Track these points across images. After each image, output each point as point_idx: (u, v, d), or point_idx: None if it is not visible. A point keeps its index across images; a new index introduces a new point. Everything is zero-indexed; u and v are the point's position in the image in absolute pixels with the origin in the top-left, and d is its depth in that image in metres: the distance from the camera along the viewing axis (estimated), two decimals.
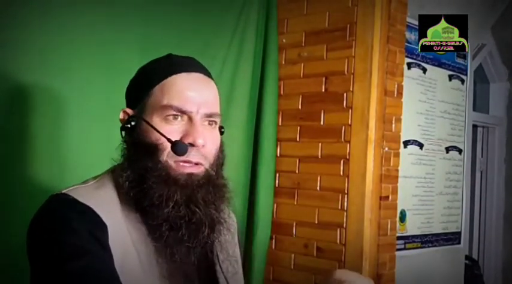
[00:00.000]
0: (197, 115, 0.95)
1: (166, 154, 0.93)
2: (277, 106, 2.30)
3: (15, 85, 1.54)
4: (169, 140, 0.93)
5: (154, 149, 0.93)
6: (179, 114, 0.95)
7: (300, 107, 2.25)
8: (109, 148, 1.67)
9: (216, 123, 0.99)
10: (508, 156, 3.44)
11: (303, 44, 2.26)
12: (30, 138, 1.58)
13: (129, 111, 1.00)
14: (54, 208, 0.90)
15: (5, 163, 1.53)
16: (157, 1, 1.91)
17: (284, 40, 2.32)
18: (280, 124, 2.30)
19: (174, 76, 0.97)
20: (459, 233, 2.61)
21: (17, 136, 1.56)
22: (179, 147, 0.93)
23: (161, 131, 0.93)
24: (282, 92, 2.31)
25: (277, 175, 2.29)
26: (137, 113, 0.98)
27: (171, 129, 0.94)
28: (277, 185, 2.29)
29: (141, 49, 1.83)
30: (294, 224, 2.21)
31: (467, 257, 2.77)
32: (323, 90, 2.17)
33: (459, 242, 2.61)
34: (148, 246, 0.93)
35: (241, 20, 2.20)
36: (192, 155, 0.94)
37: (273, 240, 2.27)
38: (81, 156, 1.67)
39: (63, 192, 0.92)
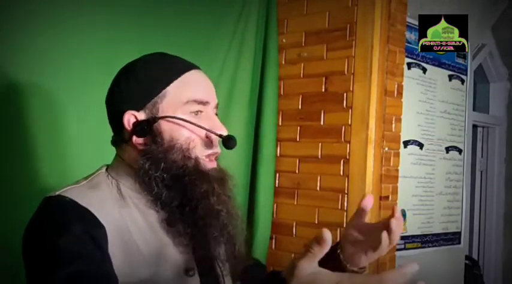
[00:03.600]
0: (212, 108, 1.01)
1: (197, 150, 0.97)
2: (277, 106, 2.30)
3: (13, 85, 1.54)
4: (220, 135, 0.99)
5: (186, 147, 0.96)
6: (201, 108, 0.99)
7: (300, 107, 2.25)
8: (107, 147, 1.68)
9: (217, 114, 1.05)
10: (508, 156, 3.44)
11: (303, 44, 2.26)
12: (30, 138, 1.57)
13: (136, 113, 0.98)
14: (51, 211, 0.90)
15: (5, 164, 1.52)
16: (157, 1, 1.91)
17: (284, 40, 2.32)
18: (280, 124, 2.30)
19: (187, 74, 1.00)
20: (459, 233, 2.61)
21: (17, 136, 1.55)
22: (231, 142, 1.00)
23: (190, 128, 0.97)
24: (282, 92, 2.31)
25: (277, 175, 2.29)
26: (151, 114, 0.97)
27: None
28: (277, 185, 2.29)
29: (141, 49, 1.82)
30: (294, 224, 2.21)
31: (467, 257, 2.77)
32: (323, 90, 2.17)
33: (459, 242, 2.61)
34: (154, 240, 0.95)
35: (241, 20, 2.20)
36: (217, 148, 1.00)
37: (273, 240, 2.27)
38: (81, 156, 1.66)
39: (57, 193, 0.92)
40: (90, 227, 0.87)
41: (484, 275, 3.15)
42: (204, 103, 0.99)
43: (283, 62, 2.32)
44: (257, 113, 2.27)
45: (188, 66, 1.02)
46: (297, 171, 2.23)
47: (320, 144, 2.16)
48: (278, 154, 2.29)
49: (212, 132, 0.98)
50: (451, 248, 2.55)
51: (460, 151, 2.61)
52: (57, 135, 1.64)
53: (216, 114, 1.03)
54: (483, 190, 3.45)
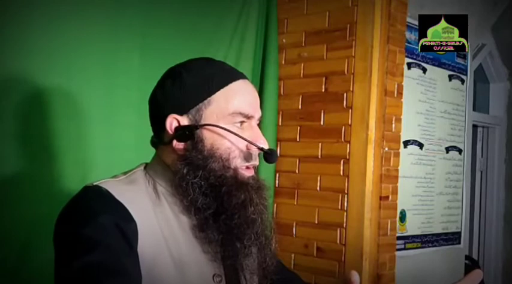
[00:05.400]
0: (255, 120, 1.01)
1: (236, 161, 0.97)
2: (277, 106, 2.30)
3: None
4: (262, 149, 0.99)
5: (226, 156, 0.96)
6: (245, 120, 0.99)
7: (300, 107, 2.25)
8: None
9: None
10: (508, 156, 3.44)
11: (303, 44, 2.26)
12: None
13: (179, 117, 0.98)
14: (85, 199, 0.92)
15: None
16: (158, 1, 1.91)
17: (284, 40, 2.32)
18: (280, 124, 2.30)
19: (235, 83, 1.00)
20: (459, 233, 2.60)
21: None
22: (273, 156, 1.01)
23: (232, 139, 0.97)
24: (282, 92, 2.31)
25: (277, 175, 2.29)
26: (194, 120, 0.97)
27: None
28: (277, 185, 2.29)
29: (142, 47, 1.83)
30: (294, 224, 2.21)
31: (467, 257, 2.76)
32: (323, 90, 2.17)
33: (459, 242, 2.61)
34: (184, 242, 0.95)
35: (241, 20, 2.20)
36: (257, 159, 1.01)
37: None
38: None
39: (95, 183, 0.93)
40: (121, 221, 0.87)
41: (484, 275, 3.14)
42: (249, 117, 0.99)
43: (283, 62, 2.32)
44: None
45: (236, 76, 1.01)
46: (297, 171, 2.23)
47: (320, 144, 2.16)
48: (278, 154, 2.29)
49: (254, 145, 0.98)
50: (451, 248, 2.55)
51: (460, 151, 2.61)
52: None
53: (258, 125, 1.03)
54: (483, 190, 3.45)
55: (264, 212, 0.99)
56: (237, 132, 0.97)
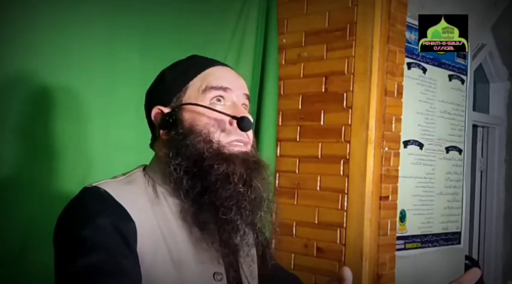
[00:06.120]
0: (237, 97, 1.00)
1: (219, 136, 0.96)
2: (277, 106, 2.30)
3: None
4: (234, 117, 0.97)
5: (206, 132, 0.96)
6: (221, 93, 0.99)
7: (300, 107, 2.25)
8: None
9: (248, 107, 1.04)
10: (508, 156, 3.44)
11: (303, 44, 2.26)
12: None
13: (163, 108, 1.01)
14: (83, 200, 0.92)
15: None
16: (158, 0, 1.91)
17: (284, 40, 2.32)
18: (280, 124, 2.30)
19: (211, 69, 1.02)
20: (459, 233, 2.61)
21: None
22: (246, 122, 0.97)
23: (210, 115, 0.97)
24: (282, 92, 2.31)
25: (277, 175, 2.29)
26: (175, 107, 0.99)
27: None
28: (277, 185, 2.29)
29: (141, 47, 1.83)
30: (294, 224, 2.21)
31: (467, 257, 2.77)
32: (323, 90, 2.17)
33: (459, 242, 2.61)
34: (184, 241, 0.95)
35: (241, 20, 2.20)
36: (243, 135, 0.98)
37: (273, 240, 2.27)
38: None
39: (94, 184, 0.94)
40: (119, 221, 0.87)
41: (484, 275, 3.14)
42: (224, 88, 0.99)
43: (283, 62, 2.32)
44: (257, 113, 2.27)
45: (213, 63, 1.04)
46: (297, 171, 2.23)
47: (320, 144, 2.16)
48: (278, 154, 2.29)
49: (227, 115, 0.97)
50: (451, 248, 2.55)
51: (460, 151, 2.61)
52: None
53: (246, 107, 1.02)
54: (483, 190, 3.45)
55: (257, 189, 0.95)
56: (214, 108, 0.97)
